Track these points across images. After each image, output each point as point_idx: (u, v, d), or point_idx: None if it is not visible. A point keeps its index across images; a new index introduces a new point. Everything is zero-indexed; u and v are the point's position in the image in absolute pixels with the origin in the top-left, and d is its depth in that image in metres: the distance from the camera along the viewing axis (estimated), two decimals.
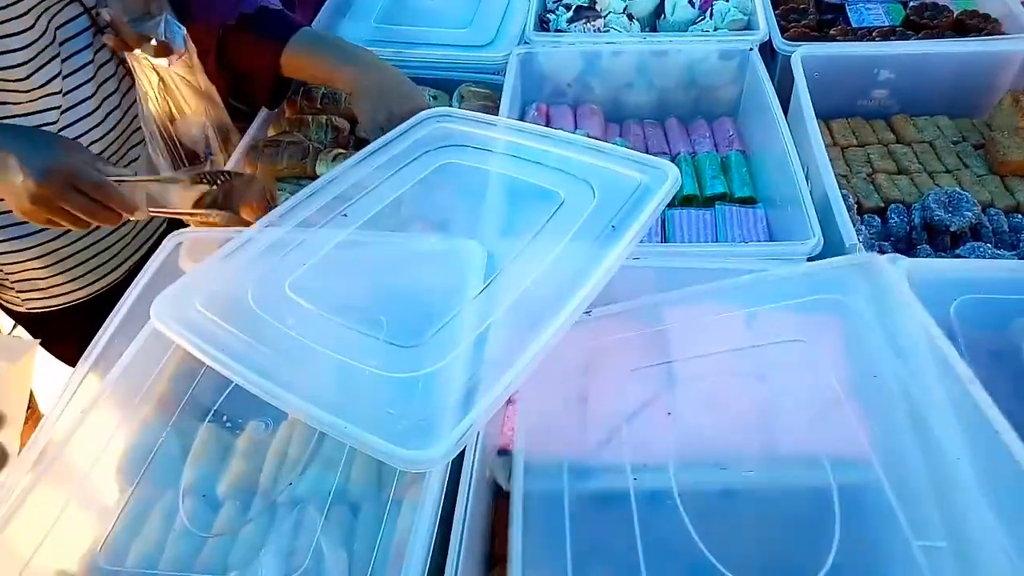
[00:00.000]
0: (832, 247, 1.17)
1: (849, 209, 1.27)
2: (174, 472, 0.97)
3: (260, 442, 1.02)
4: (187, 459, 0.98)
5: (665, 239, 1.35)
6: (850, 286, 1.11)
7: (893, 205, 1.35)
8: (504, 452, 0.98)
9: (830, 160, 1.39)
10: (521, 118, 1.61)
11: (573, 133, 1.48)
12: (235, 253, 1.04)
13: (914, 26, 1.70)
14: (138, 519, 0.92)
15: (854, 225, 1.21)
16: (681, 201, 1.44)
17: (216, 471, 0.98)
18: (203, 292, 0.98)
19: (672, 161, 1.53)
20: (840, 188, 1.30)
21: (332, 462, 1.00)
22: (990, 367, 1.02)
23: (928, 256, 1.26)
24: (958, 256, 1.25)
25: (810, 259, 1.13)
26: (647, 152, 1.56)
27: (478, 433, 0.93)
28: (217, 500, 0.95)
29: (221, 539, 0.92)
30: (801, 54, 1.50)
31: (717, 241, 1.33)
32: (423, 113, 1.25)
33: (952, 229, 1.28)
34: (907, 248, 1.31)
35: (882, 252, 1.26)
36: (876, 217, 1.34)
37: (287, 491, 0.95)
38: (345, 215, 1.10)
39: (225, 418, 1.03)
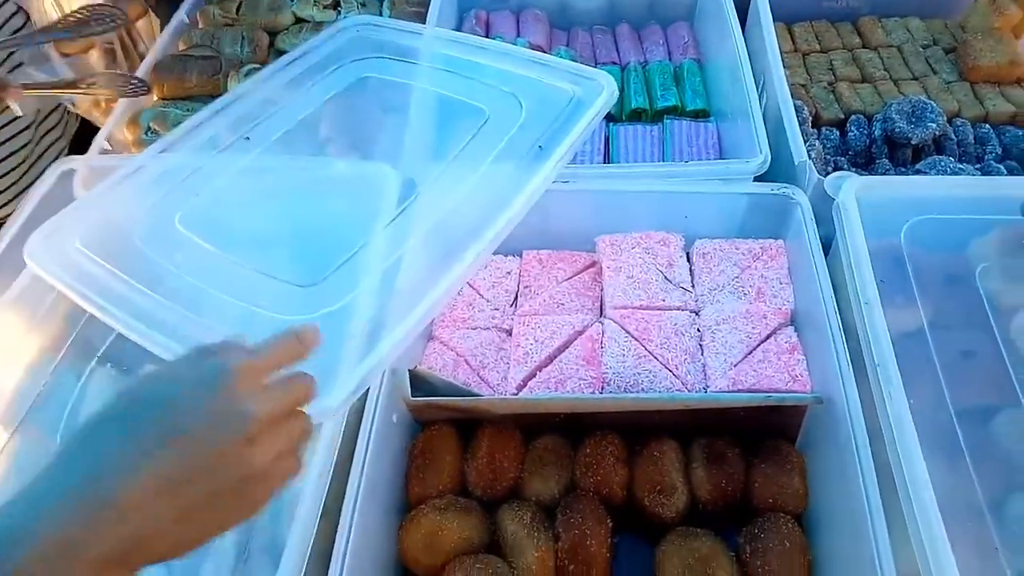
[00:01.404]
0: (782, 164, 1.08)
1: (803, 123, 1.17)
2: (61, 417, 0.90)
3: None
4: (77, 404, 0.91)
5: (608, 158, 1.26)
6: (789, 211, 1.03)
7: (853, 117, 1.26)
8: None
9: (788, 69, 1.29)
10: (458, 28, 1.48)
11: (512, 43, 1.36)
12: (122, 182, 0.94)
13: None
14: (22, 468, 0.86)
15: (806, 140, 1.12)
16: (629, 115, 1.34)
17: None
18: (84, 228, 0.88)
19: (622, 71, 1.42)
20: (796, 99, 1.21)
21: None
22: (944, 293, 0.96)
23: (887, 172, 1.18)
24: (919, 172, 1.17)
25: (757, 178, 1.04)
26: (595, 62, 1.45)
27: (384, 372, 0.87)
28: None
29: None
30: None
31: (664, 160, 1.23)
32: (344, 21, 1.13)
33: (914, 142, 1.20)
34: (866, 163, 1.23)
35: (836, 168, 1.18)
36: (835, 130, 1.25)
37: None
38: (248, 138, 1.00)
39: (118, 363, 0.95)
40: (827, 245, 1.01)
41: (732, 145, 1.23)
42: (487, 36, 1.44)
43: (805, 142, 1.12)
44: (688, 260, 1.04)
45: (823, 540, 0.84)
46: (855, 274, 0.89)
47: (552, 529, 0.85)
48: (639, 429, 0.90)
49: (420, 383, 0.88)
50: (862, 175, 0.98)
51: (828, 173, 1.14)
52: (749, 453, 0.89)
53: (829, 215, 0.99)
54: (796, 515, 0.86)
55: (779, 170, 1.06)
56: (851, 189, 0.95)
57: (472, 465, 0.90)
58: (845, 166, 1.18)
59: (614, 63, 1.45)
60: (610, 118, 1.34)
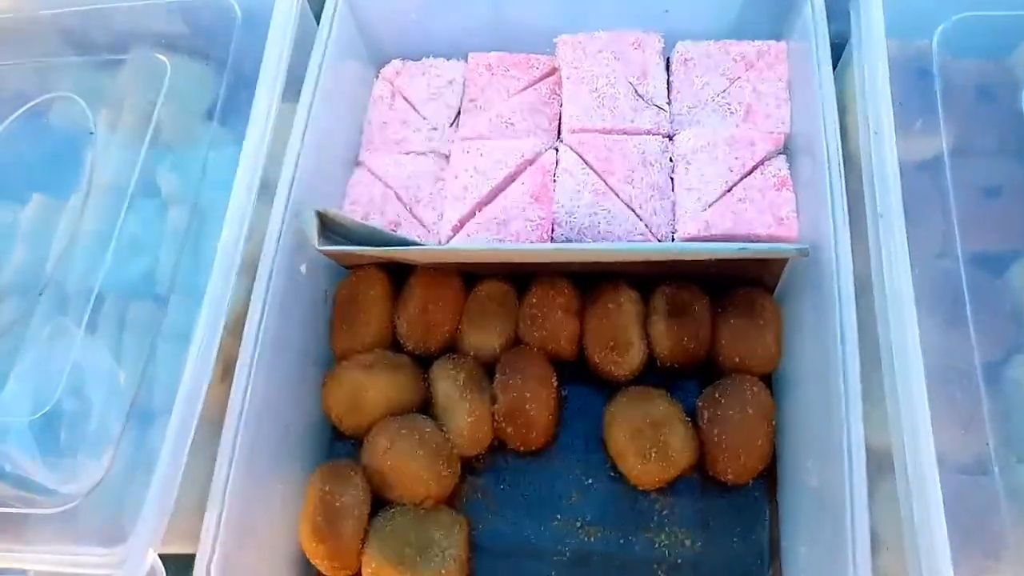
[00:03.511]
0: None
1: None
2: None
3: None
4: None
5: None
6: (795, 5, 0.82)
7: None
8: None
9: None
10: None
11: None
12: None
13: None
14: None
15: None
16: None
17: None
18: None
19: None
20: None
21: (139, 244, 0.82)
22: (974, 112, 0.78)
23: None
24: None
25: None
26: None
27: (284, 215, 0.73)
28: None
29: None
30: None
31: None
32: None
33: None
34: None
35: None
36: None
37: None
38: None
39: None
40: (839, 50, 0.82)
41: None
42: None
43: None
44: (667, 68, 0.85)
45: (790, 405, 0.75)
46: (867, 91, 0.71)
47: (490, 389, 0.76)
48: (594, 275, 0.78)
49: (333, 226, 0.74)
50: None
51: None
52: (718, 305, 0.77)
53: (844, 9, 0.79)
54: (765, 375, 0.76)
55: None
56: None
57: (403, 316, 0.79)
58: None
59: None
60: None
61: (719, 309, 0.77)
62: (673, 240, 0.76)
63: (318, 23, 0.89)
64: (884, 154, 0.68)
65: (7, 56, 0.94)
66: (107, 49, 0.94)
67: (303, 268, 0.76)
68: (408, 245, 0.73)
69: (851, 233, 0.71)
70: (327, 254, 0.76)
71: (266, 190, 0.81)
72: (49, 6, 0.94)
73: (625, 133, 0.80)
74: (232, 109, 0.87)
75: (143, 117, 0.88)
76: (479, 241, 0.75)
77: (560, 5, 0.87)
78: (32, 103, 0.90)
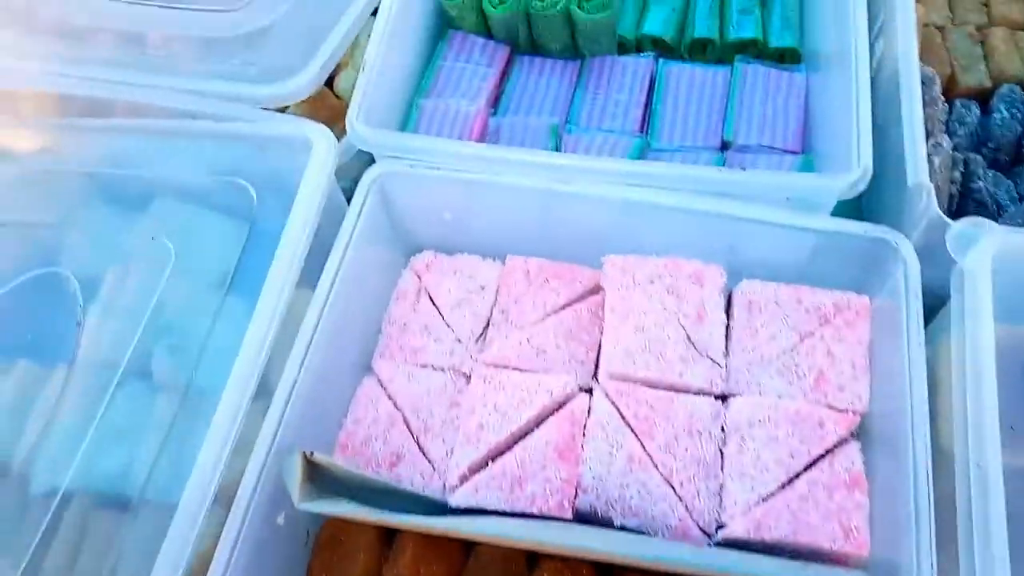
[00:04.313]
0: (886, 172, 0.75)
1: (929, 103, 0.82)
2: None
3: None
4: None
5: (648, 110, 0.93)
6: (885, 261, 0.71)
7: (1005, 88, 0.89)
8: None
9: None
10: None
11: None
12: None
13: None
14: None
15: (930, 135, 0.78)
16: (690, 47, 0.98)
17: None
18: None
19: None
20: (924, 64, 0.84)
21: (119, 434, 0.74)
22: None
23: None
24: None
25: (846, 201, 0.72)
26: None
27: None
28: None
29: None
30: None
31: (725, 127, 0.90)
32: None
33: None
34: (1012, 162, 0.87)
35: (967, 171, 0.83)
36: (975, 106, 0.89)
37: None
38: None
39: None
40: (930, 307, 0.71)
41: (822, 114, 0.88)
42: None
43: (929, 138, 0.78)
44: (727, 307, 0.74)
45: None
46: (968, 397, 0.59)
47: None
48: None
49: (322, 471, 0.64)
50: (1008, 229, 0.65)
51: (957, 182, 0.81)
52: None
53: (939, 261, 0.68)
54: None
55: (880, 185, 0.73)
56: (987, 253, 0.63)
57: (392, 574, 0.68)
58: (980, 171, 0.83)
59: None
60: (665, 49, 0.99)
61: None
62: (716, 532, 0.64)
63: (348, 202, 0.82)
64: (989, 490, 0.55)
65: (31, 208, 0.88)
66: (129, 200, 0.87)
67: (280, 519, 0.66)
68: (403, 506, 0.62)
69: (938, 556, 0.59)
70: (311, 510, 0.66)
71: (264, 389, 0.73)
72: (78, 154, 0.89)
73: (672, 389, 0.69)
74: (245, 279, 0.80)
75: (151, 278, 0.81)
76: (484, 523, 0.63)
77: (615, 214, 0.77)
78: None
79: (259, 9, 0.87)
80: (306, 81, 0.79)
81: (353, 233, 0.75)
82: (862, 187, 0.69)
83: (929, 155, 0.75)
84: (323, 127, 0.76)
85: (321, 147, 0.74)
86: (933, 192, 0.70)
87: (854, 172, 0.69)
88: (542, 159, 0.75)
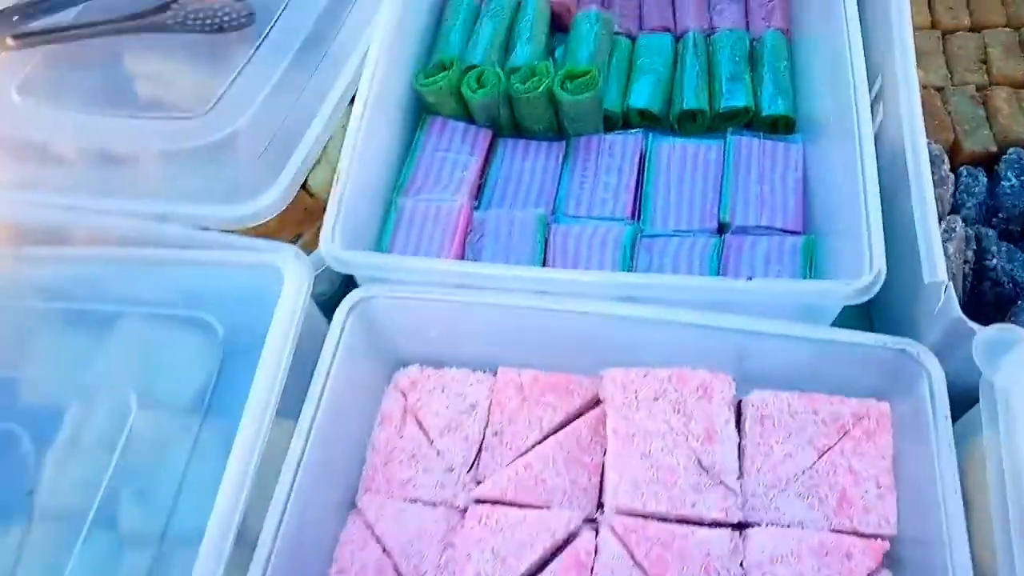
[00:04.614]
0: (902, 260, 0.70)
1: (939, 182, 0.77)
2: None
3: None
4: None
5: (639, 191, 0.88)
6: (905, 371, 0.66)
7: (1012, 152, 0.85)
8: None
9: (921, 58, 0.86)
10: None
11: None
12: None
13: None
14: None
15: (942, 219, 0.73)
16: (680, 117, 0.94)
17: None
18: None
19: (676, 43, 1.00)
20: (925, 121, 0.79)
21: None
22: None
23: None
24: None
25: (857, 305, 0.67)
26: (639, 27, 1.03)
27: None
28: None
29: None
30: None
31: (721, 208, 0.85)
32: None
33: None
34: (1023, 232, 0.83)
35: (981, 247, 0.78)
36: (981, 173, 0.84)
37: None
38: None
39: None
40: (956, 406, 0.66)
41: (824, 189, 0.84)
42: None
43: (940, 222, 0.73)
44: (737, 419, 0.69)
45: None
46: (1013, 532, 0.54)
47: None
48: None
49: None
50: None
51: (971, 261, 0.76)
52: None
53: (960, 354, 0.63)
54: None
55: (890, 276, 0.68)
56: (1020, 365, 0.58)
57: None
58: (992, 248, 0.78)
59: (667, 30, 1.03)
60: (653, 122, 0.94)
61: None
62: None
63: (325, 314, 0.77)
64: None
65: None
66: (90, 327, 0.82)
67: None
68: None
69: None
70: None
71: (242, 538, 0.67)
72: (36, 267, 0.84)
73: (685, 522, 0.64)
74: (220, 405, 0.74)
75: (116, 413, 0.75)
76: None
77: (610, 327, 0.72)
78: None
79: (223, 113, 0.82)
80: (276, 197, 0.74)
81: (333, 361, 0.70)
82: (875, 291, 0.65)
83: (944, 242, 0.71)
84: (297, 251, 0.71)
85: (293, 276, 0.69)
86: (952, 289, 0.65)
87: (865, 277, 0.64)
88: (529, 274, 0.70)
